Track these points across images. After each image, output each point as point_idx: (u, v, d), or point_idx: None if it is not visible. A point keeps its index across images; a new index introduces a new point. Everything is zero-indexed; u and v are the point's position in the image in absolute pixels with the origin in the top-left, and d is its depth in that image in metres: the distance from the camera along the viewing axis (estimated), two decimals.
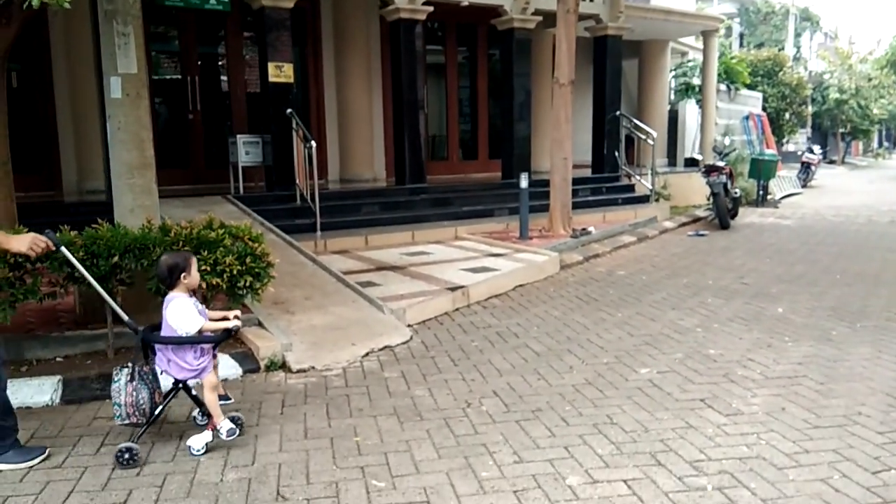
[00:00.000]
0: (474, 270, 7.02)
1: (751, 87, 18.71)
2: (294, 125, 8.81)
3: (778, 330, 5.22)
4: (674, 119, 17.01)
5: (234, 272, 4.10)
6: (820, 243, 9.46)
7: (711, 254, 8.84)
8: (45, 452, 3.16)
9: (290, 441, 3.36)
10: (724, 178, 10.97)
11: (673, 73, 16.75)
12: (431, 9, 10.10)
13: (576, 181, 12.21)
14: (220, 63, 11.12)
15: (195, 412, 3.48)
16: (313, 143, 8.41)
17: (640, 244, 9.74)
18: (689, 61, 16.77)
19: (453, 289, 6.16)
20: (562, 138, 9.30)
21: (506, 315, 5.81)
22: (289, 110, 8.82)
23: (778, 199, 15.10)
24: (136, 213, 4.84)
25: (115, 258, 4.09)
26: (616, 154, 12.71)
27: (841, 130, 31.08)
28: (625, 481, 2.93)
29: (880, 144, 47.48)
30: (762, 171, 13.87)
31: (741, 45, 31.21)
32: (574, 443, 3.29)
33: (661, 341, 4.98)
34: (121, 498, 2.85)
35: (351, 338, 4.84)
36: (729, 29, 29.87)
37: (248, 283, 4.18)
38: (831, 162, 30.72)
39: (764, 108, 19.42)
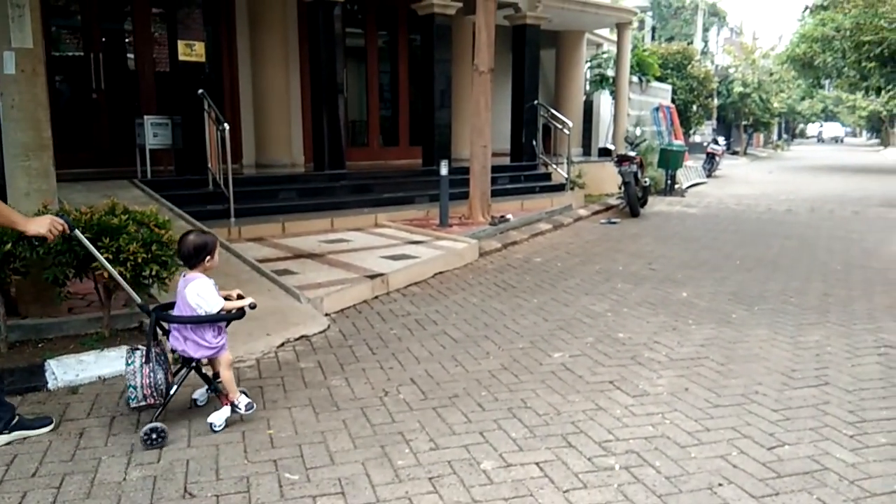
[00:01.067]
0: (394, 258, 6.99)
1: (661, 79, 19.42)
2: (206, 106, 8.47)
3: (682, 314, 5.47)
4: (589, 109, 17.46)
5: (139, 260, 3.92)
6: (723, 230, 9.97)
7: (622, 241, 9.15)
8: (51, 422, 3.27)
9: (199, 436, 3.26)
10: (634, 167, 11.36)
11: (588, 64, 17.17)
12: None
13: (495, 169, 12.34)
14: (126, 40, 10.54)
15: (195, 395, 3.55)
16: (226, 126, 8.13)
17: (556, 231, 9.97)
18: (603, 53, 17.23)
19: (372, 276, 6.12)
20: (481, 126, 9.37)
21: (425, 302, 5.82)
22: (200, 91, 8.47)
23: (685, 189, 15.79)
24: (31, 198, 4.55)
25: (8, 245, 3.83)
26: (534, 143, 12.94)
27: (744, 123, 32.80)
28: (537, 464, 3.00)
29: (780, 136, 50.45)
30: (670, 161, 14.45)
31: (653, 38, 32.32)
32: (489, 428, 3.34)
33: (574, 326, 5.13)
34: (14, 501, 2.68)
35: (266, 328, 4.73)
36: (642, 22, 30.84)
37: (154, 272, 4.01)
38: (735, 153, 32.38)
39: (673, 100, 20.21)
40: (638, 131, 13.33)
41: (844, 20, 16.09)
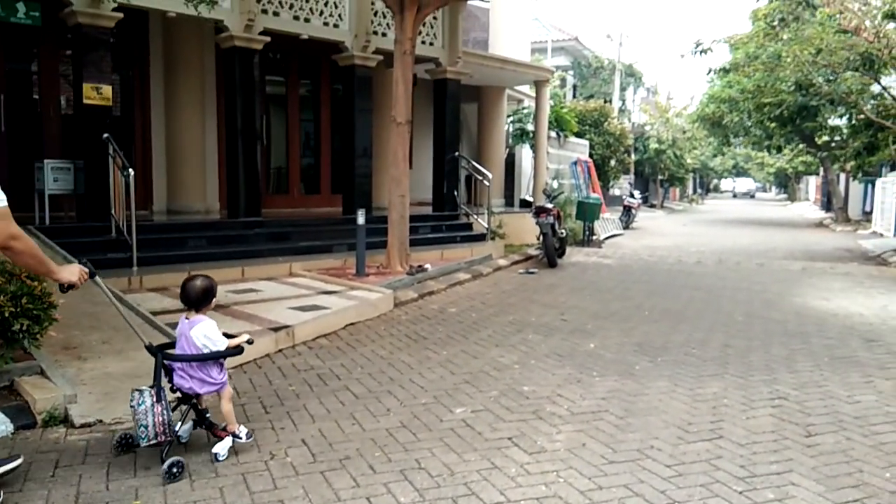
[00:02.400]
0: (304, 309, 6.80)
1: (579, 134, 20.14)
2: (111, 151, 8.17)
3: (588, 365, 5.50)
4: (511, 162, 17.86)
5: (6, 314, 3.63)
6: (635, 281, 10.23)
7: (538, 291, 9.24)
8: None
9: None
10: (551, 219, 11.59)
11: (510, 118, 17.63)
12: (268, 39, 9.90)
13: (417, 218, 12.42)
14: (32, 80, 10.12)
15: (180, 432, 3.59)
16: (131, 171, 7.84)
17: (475, 281, 9.99)
18: (524, 108, 17.76)
19: (277, 329, 5.91)
20: (399, 176, 9.38)
21: (331, 356, 5.65)
22: (105, 135, 8.17)
23: (602, 240, 16.24)
24: None
25: None
26: (455, 193, 13.06)
27: (660, 177, 34.32)
28: None
29: (694, 191, 53.07)
30: (587, 213, 14.86)
31: (574, 95, 33.65)
32: (378, 492, 3.20)
33: (480, 379, 5.06)
34: None
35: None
36: (564, 80, 32.18)
37: (24, 327, 3.71)
38: (652, 206, 33.74)
39: (591, 155, 20.95)
40: (555, 184, 13.68)
41: (748, 83, 17.17)
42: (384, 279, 8.74)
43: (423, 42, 12.17)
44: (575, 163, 18.46)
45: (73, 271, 3.19)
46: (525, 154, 17.92)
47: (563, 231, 12.52)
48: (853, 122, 14.51)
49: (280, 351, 5.71)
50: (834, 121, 18.19)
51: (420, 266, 9.44)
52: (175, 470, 3.27)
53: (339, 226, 10.82)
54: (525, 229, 14.17)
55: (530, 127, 16.93)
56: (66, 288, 3.21)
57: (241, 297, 7.29)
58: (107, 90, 8.40)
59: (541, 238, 11.92)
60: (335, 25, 10.81)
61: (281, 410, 4.28)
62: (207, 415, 3.65)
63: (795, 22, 14.58)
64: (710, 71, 14.80)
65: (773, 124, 19.54)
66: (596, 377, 5.18)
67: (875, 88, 13.95)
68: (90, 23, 8.18)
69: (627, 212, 21.01)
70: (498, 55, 14.75)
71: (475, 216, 13.17)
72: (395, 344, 6.11)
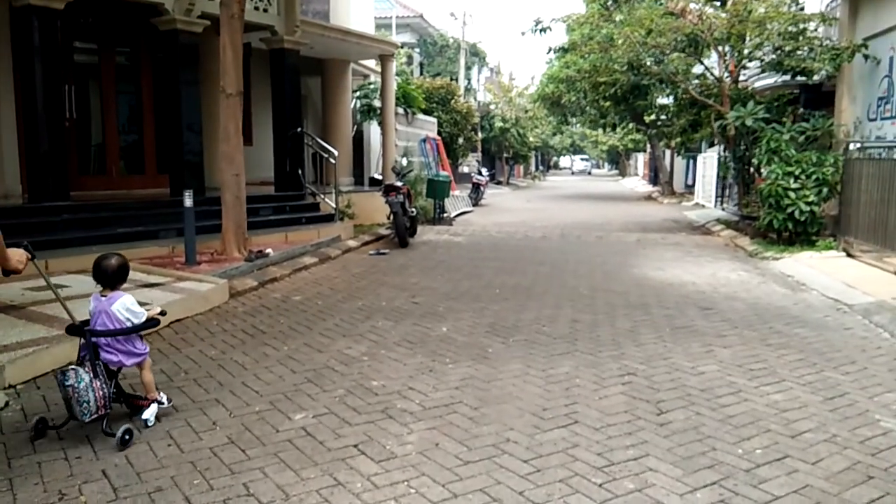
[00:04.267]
0: None
1: (427, 112, 19.93)
2: None
3: (440, 351, 5.21)
4: (360, 139, 17.29)
5: None
6: (485, 258, 10.16)
7: (389, 273, 8.87)
8: None
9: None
10: (401, 197, 11.25)
11: (356, 93, 17.01)
12: None
13: (259, 199, 11.59)
14: None
15: (146, 416, 3.71)
16: None
17: (322, 265, 9.43)
18: (370, 83, 17.20)
19: None
20: (232, 153, 8.56)
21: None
22: None
23: (453, 217, 16.19)
24: None
25: None
26: (300, 172, 12.32)
27: (505, 155, 35.20)
28: None
29: (537, 168, 55.27)
30: (437, 190, 14.70)
31: (421, 73, 33.49)
32: None
33: (324, 376, 4.59)
34: None
35: None
36: (410, 58, 31.86)
37: None
38: (499, 183, 34.56)
39: (439, 133, 20.86)
40: (404, 161, 13.34)
41: (584, 63, 17.76)
42: (219, 267, 7.95)
43: (257, 8, 11.26)
44: (424, 140, 18.24)
45: (20, 258, 3.18)
46: (373, 131, 17.41)
47: (414, 210, 12.23)
48: (679, 101, 15.46)
49: None
50: (662, 100, 19.38)
51: (260, 251, 8.72)
52: (127, 437, 3.43)
53: (166, 209, 9.76)
54: (375, 208, 13.74)
55: (377, 103, 16.42)
56: (8, 273, 3.15)
57: (40, 294, 6.23)
58: None
59: (391, 217, 11.55)
60: None
61: (79, 434, 3.55)
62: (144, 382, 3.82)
63: (627, 3, 15.22)
64: (549, 50, 15.09)
65: (607, 103, 20.47)
66: (449, 364, 4.89)
67: (698, 70, 14.91)
68: None
69: (476, 189, 21.21)
70: (339, 26, 14.05)
71: (322, 196, 12.52)
72: (228, 342, 5.47)
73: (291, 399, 4.15)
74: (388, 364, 4.89)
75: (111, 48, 11.54)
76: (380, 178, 15.79)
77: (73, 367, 3.46)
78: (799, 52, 12.45)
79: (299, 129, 12.14)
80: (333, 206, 12.14)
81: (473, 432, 3.67)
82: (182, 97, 10.23)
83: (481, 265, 9.53)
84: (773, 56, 12.83)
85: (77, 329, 3.62)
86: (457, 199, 18.49)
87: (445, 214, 15.76)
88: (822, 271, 8.70)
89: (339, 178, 15.28)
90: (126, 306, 3.68)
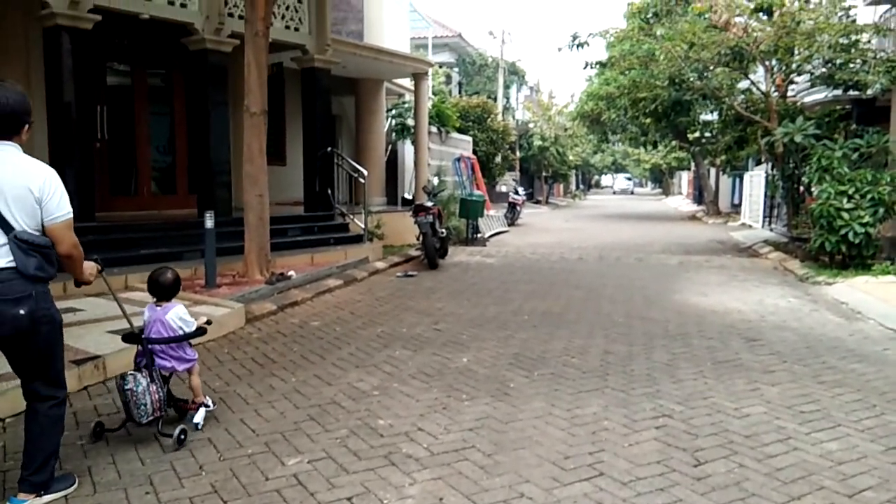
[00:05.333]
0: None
1: (462, 131, 19.68)
2: None
3: (458, 385, 4.83)
4: (394, 159, 17.12)
5: None
6: (517, 281, 9.75)
7: (415, 296, 8.55)
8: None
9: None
10: (431, 217, 10.95)
11: (390, 113, 16.88)
12: (99, 18, 8.58)
13: (287, 219, 11.45)
14: None
15: (196, 419, 3.97)
16: None
17: (347, 288, 9.16)
18: (404, 102, 17.05)
19: (82, 361, 4.83)
20: (255, 173, 8.38)
21: None
22: None
23: (487, 237, 15.82)
24: None
25: None
26: (329, 191, 12.14)
27: (544, 174, 34.73)
28: None
29: (577, 187, 54.59)
30: (471, 210, 14.38)
31: (460, 92, 33.39)
32: None
33: (329, 413, 4.25)
34: None
35: None
36: (449, 77, 31.80)
37: None
38: (537, 202, 34.11)
39: (475, 152, 20.57)
40: (436, 181, 13.06)
41: (623, 79, 17.32)
42: (238, 290, 7.74)
43: (288, 27, 11.19)
44: (458, 159, 17.97)
45: (91, 270, 3.36)
46: (407, 150, 17.23)
47: (444, 230, 11.90)
48: (724, 117, 14.86)
49: (84, 388, 4.65)
50: (706, 116, 18.75)
51: (282, 273, 8.49)
52: (182, 436, 3.70)
53: (192, 230, 9.62)
54: (407, 229, 13.45)
55: (411, 122, 16.26)
56: (79, 284, 3.32)
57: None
58: None
59: (420, 238, 11.24)
60: (182, 5, 9.62)
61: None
62: (193, 386, 4.11)
63: (668, 17, 14.74)
64: (586, 65, 14.67)
65: (648, 120, 19.92)
66: (465, 401, 4.51)
67: (743, 85, 14.32)
68: None
69: (512, 208, 20.81)
70: (371, 44, 13.93)
71: (351, 216, 12.30)
72: (235, 371, 5.19)
73: (289, 440, 3.82)
74: (400, 400, 4.53)
75: (144, 69, 11.59)
76: (411, 197, 15.54)
77: (131, 372, 3.72)
78: (851, 65, 11.80)
79: (329, 149, 11.98)
80: (362, 226, 11.90)
81: (484, 484, 3.27)
82: (211, 117, 10.15)
83: (512, 289, 9.13)
84: (824, 69, 12.20)
85: (135, 337, 3.88)
86: (492, 219, 18.13)
87: (479, 235, 15.41)
88: (879, 298, 8.05)
89: (371, 197, 15.14)
90: (179, 315, 4.01)
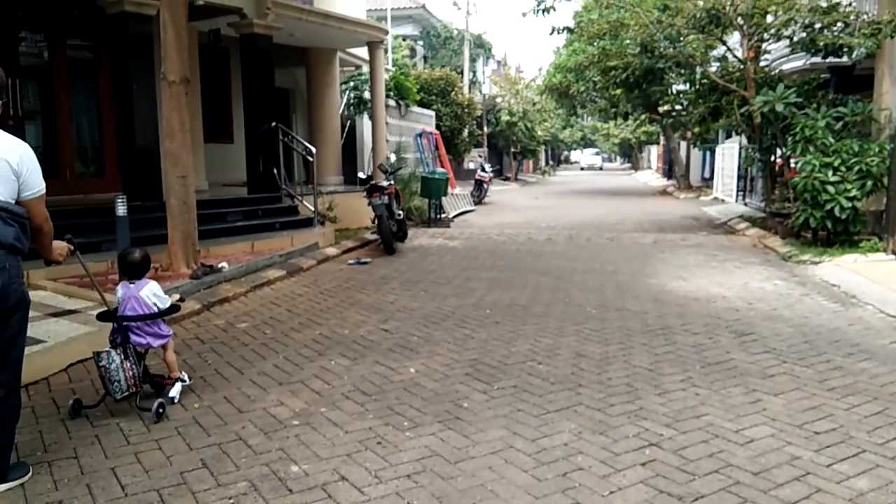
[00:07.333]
0: None
1: (424, 104, 18.62)
2: None
3: (400, 408, 3.94)
4: (353, 135, 16.04)
5: None
6: (480, 268, 8.87)
7: (366, 287, 7.62)
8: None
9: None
10: (386, 198, 9.99)
11: (344, 85, 15.76)
12: None
13: (227, 202, 10.43)
14: None
15: (172, 393, 4.03)
16: None
17: (290, 279, 8.19)
18: (360, 74, 15.93)
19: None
20: (177, 151, 7.32)
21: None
22: None
23: (451, 218, 14.90)
24: None
25: None
26: (275, 171, 11.08)
27: (513, 150, 33.79)
28: None
29: (546, 162, 53.77)
30: (432, 189, 13.45)
31: (425, 66, 32.17)
32: None
33: (228, 457, 3.33)
34: None
35: None
36: (413, 50, 30.56)
37: None
38: (506, 179, 33.22)
39: (438, 127, 19.55)
40: (393, 158, 12.06)
41: (593, 49, 16.40)
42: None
43: None
44: (419, 135, 16.94)
45: (61, 250, 3.38)
46: (366, 126, 16.12)
47: (402, 212, 10.93)
48: (697, 87, 14.05)
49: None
50: (679, 86, 17.94)
51: (211, 266, 7.49)
52: (161, 409, 3.74)
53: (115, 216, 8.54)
54: (363, 211, 12.39)
55: (368, 95, 15.17)
56: (49, 263, 3.34)
57: None
58: None
59: (375, 221, 10.28)
60: None
61: None
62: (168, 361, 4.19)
63: None
64: (553, 31, 13.72)
65: (619, 90, 19.02)
66: (407, 430, 3.62)
67: (717, 52, 13.50)
68: None
69: (479, 186, 19.88)
70: (318, 9, 12.77)
71: (301, 198, 11.28)
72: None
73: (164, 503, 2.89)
74: (325, 432, 3.62)
75: (62, 39, 10.33)
76: (367, 176, 14.53)
77: (105, 349, 3.77)
78: (834, 28, 11.03)
79: (273, 124, 10.89)
80: (312, 209, 10.89)
81: None
82: (133, 90, 9.03)
83: (474, 277, 8.24)
84: (804, 34, 11.41)
85: (110, 315, 3.93)
86: (457, 198, 17.18)
87: (443, 215, 14.48)
88: (872, 279, 7.36)
89: (325, 177, 14.11)
90: (153, 291, 4.06)
